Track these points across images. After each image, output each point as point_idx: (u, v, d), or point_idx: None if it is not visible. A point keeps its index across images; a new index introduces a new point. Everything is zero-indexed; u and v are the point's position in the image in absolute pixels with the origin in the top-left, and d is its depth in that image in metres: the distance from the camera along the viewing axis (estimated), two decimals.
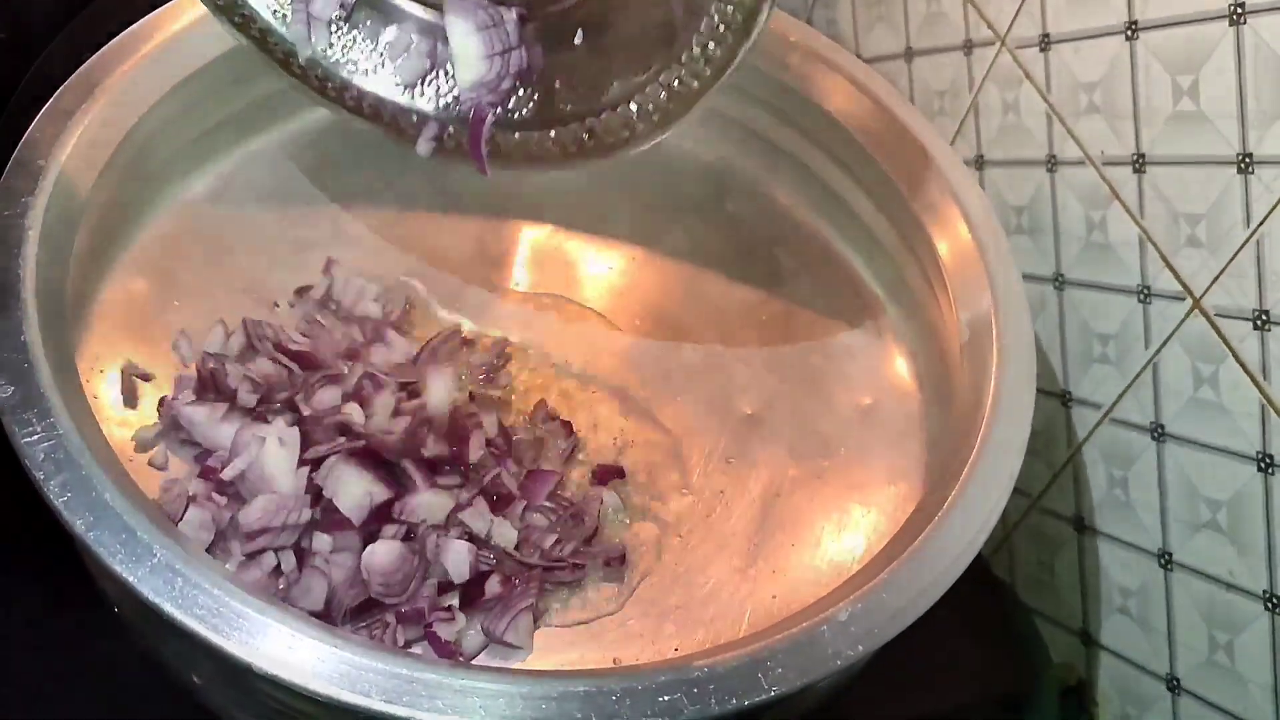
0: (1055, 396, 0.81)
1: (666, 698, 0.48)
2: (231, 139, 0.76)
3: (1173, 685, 0.74)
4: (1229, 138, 0.67)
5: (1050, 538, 0.83)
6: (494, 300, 0.76)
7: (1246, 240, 0.66)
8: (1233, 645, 0.70)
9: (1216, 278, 0.69)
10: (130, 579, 0.48)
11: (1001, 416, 0.60)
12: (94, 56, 0.65)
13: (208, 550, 0.57)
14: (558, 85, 0.61)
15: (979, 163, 0.86)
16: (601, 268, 0.80)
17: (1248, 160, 0.66)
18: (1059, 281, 0.80)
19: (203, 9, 0.66)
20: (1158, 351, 0.73)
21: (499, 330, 0.75)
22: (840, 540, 0.68)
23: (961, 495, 0.57)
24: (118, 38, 0.66)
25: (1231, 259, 0.67)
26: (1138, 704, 0.77)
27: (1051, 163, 0.79)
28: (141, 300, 0.69)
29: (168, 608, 0.48)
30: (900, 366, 0.77)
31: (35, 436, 0.50)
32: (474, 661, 0.58)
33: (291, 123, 0.78)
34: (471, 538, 0.61)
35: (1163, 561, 0.74)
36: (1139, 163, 0.73)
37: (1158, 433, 0.74)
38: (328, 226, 0.76)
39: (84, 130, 0.61)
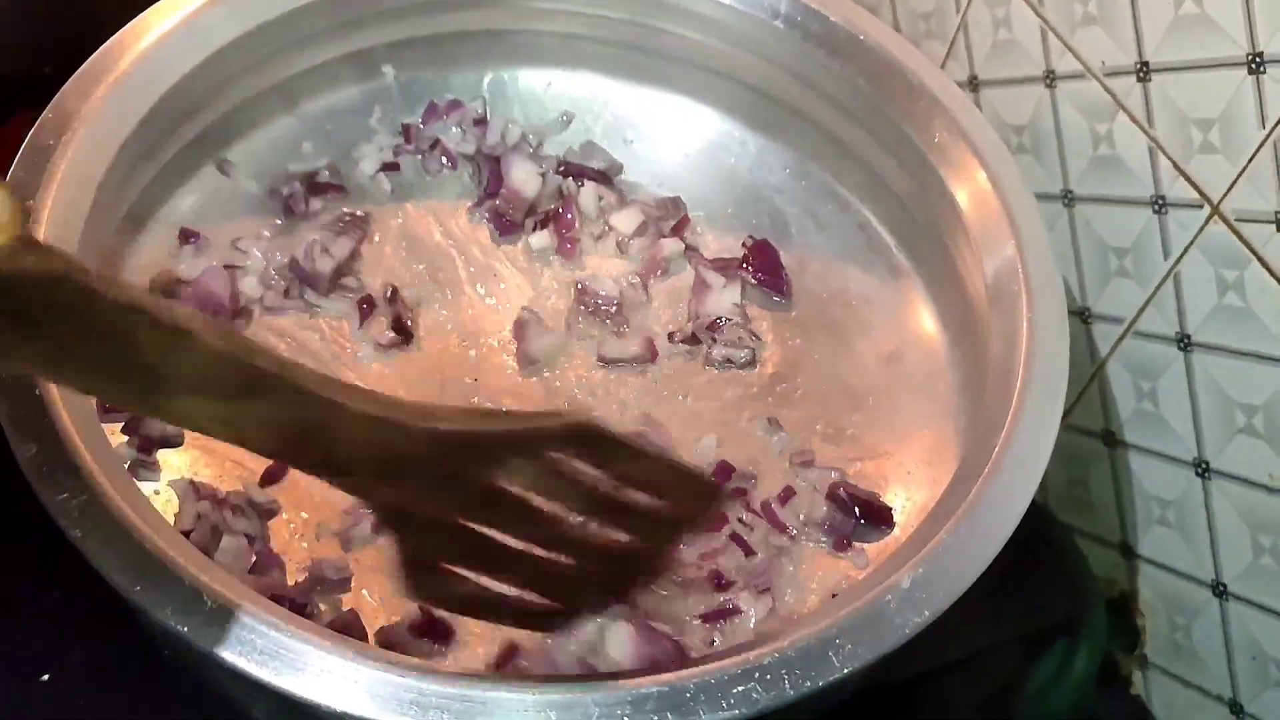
0: (1074, 314, 0.80)
1: (740, 688, 0.48)
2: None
3: (1219, 590, 0.75)
4: (1236, 38, 0.65)
5: (1081, 455, 0.83)
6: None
7: (1263, 142, 0.65)
8: (1278, 547, 0.70)
9: (1234, 182, 0.67)
10: (184, 630, 0.47)
11: (1038, 360, 0.60)
12: (66, 85, 0.62)
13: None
14: None
15: (973, 84, 0.84)
16: None
17: (1258, 60, 0.64)
18: (1068, 198, 0.79)
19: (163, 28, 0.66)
20: (1178, 261, 0.72)
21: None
22: (881, 490, 0.68)
23: (1009, 446, 0.57)
24: (86, 62, 0.64)
25: (1249, 162, 0.66)
26: (1184, 611, 0.78)
27: (1050, 78, 0.77)
28: None
29: (226, 655, 0.47)
30: (920, 310, 0.76)
31: (65, 495, 0.49)
32: None
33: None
34: None
35: (1200, 470, 0.74)
36: (1143, 71, 0.71)
37: (1184, 342, 0.73)
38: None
39: (65, 169, 0.59)
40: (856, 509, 0.66)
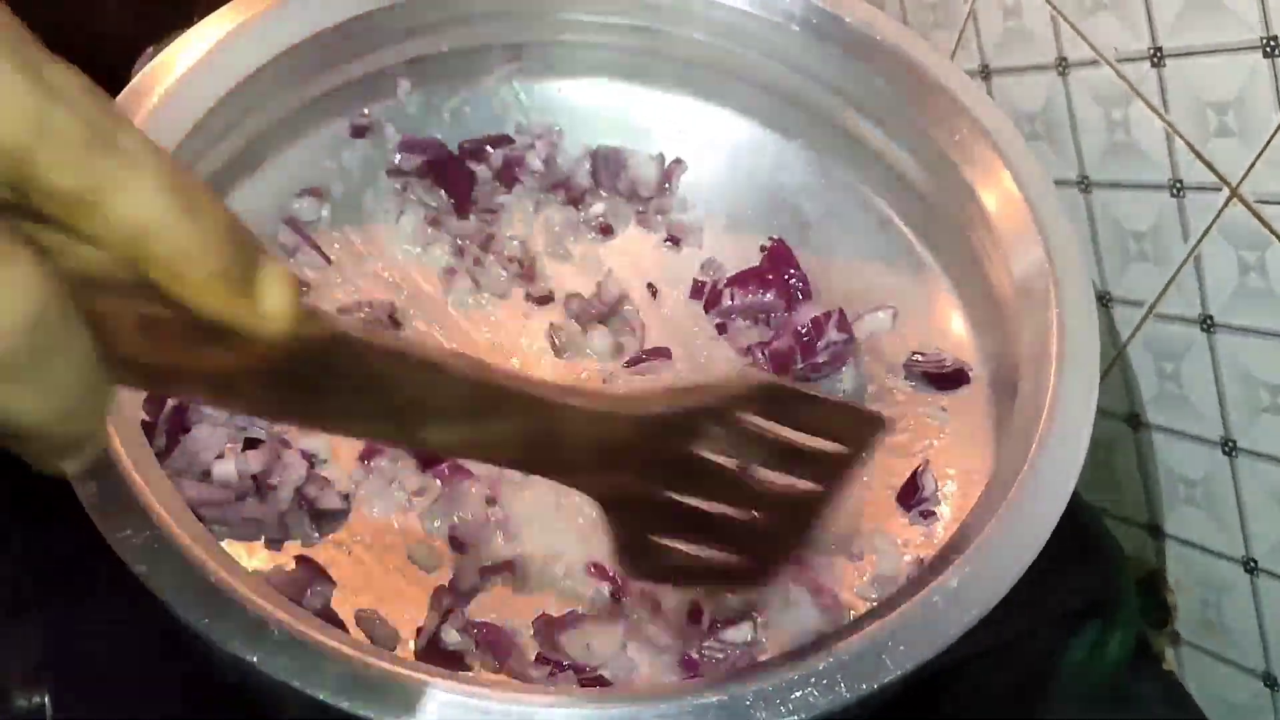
0: (1095, 298, 0.81)
1: (798, 694, 0.49)
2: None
3: (1250, 567, 0.76)
4: (1250, 22, 0.65)
5: (1106, 437, 0.83)
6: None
7: None
8: None
9: (1252, 164, 0.68)
10: (254, 659, 0.48)
11: (1070, 356, 0.61)
12: None
13: None
14: None
15: (984, 72, 0.84)
16: None
17: (1273, 42, 0.65)
18: (1084, 184, 0.79)
19: (189, 60, 0.66)
20: (1198, 243, 0.73)
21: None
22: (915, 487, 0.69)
23: (1046, 443, 0.58)
24: (121, 93, 0.65)
25: (1266, 144, 0.67)
26: (1215, 589, 0.79)
27: (1062, 65, 0.78)
28: None
29: (299, 684, 0.48)
30: (945, 306, 0.77)
31: (128, 531, 0.50)
32: None
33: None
34: None
35: (1226, 449, 0.75)
36: (1156, 56, 0.71)
37: (1207, 324, 0.74)
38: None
39: None
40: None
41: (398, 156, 0.79)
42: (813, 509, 0.56)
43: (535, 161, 0.81)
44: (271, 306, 0.31)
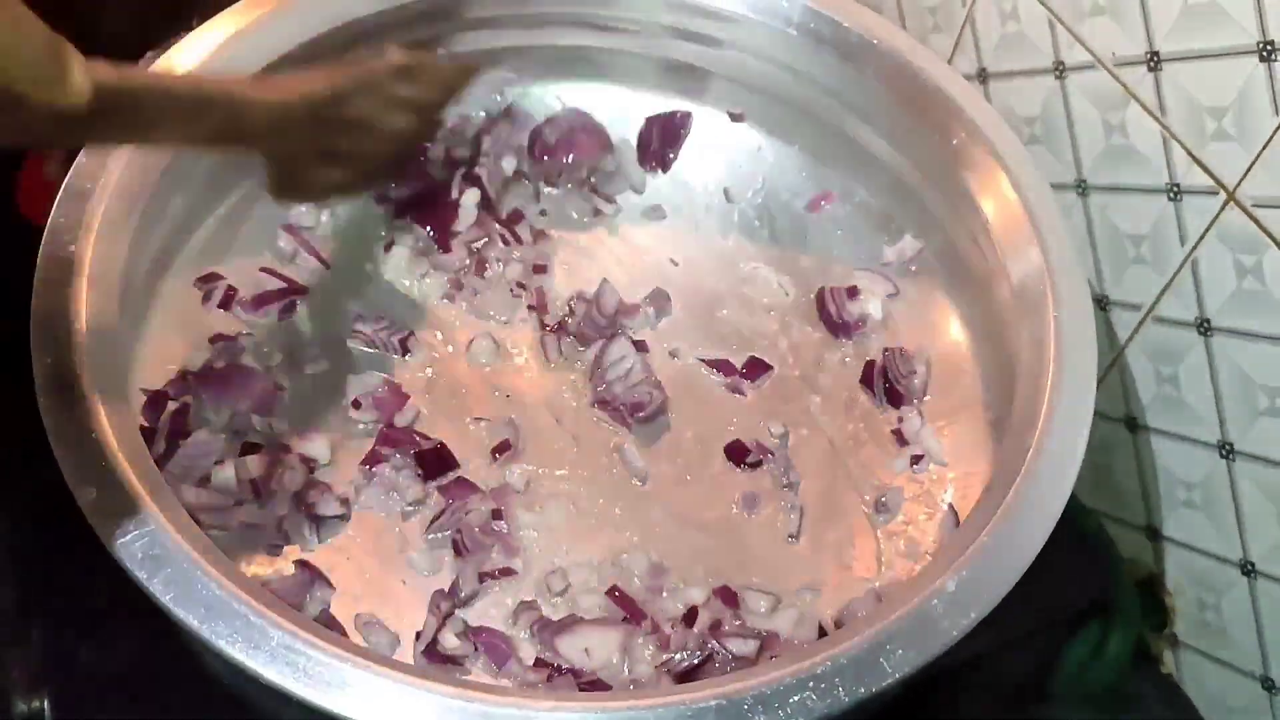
0: (1092, 301, 0.81)
1: (796, 697, 0.49)
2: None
3: (1247, 569, 0.76)
4: (1247, 27, 0.65)
5: (1104, 440, 0.84)
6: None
7: (1278, 128, 0.66)
8: None
9: (1249, 169, 0.68)
10: (252, 664, 0.48)
11: (1067, 361, 0.61)
12: None
13: None
14: None
15: (982, 76, 0.85)
16: None
17: (1270, 48, 0.65)
18: (1081, 188, 0.79)
19: (189, 64, 0.68)
20: (1195, 247, 0.73)
21: None
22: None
23: (1043, 448, 0.58)
24: None
25: (1263, 148, 0.67)
26: (1212, 590, 0.79)
27: (1060, 69, 0.78)
28: None
29: (292, 687, 0.48)
30: (943, 308, 0.77)
31: (128, 536, 0.50)
32: None
33: None
34: None
35: (1224, 452, 0.75)
36: (1153, 61, 0.72)
37: (1204, 327, 0.74)
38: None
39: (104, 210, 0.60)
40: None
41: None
42: (418, 133, 0.75)
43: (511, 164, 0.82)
44: (75, 83, 0.47)
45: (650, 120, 0.83)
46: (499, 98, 0.83)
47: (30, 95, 0.46)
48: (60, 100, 0.47)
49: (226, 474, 0.63)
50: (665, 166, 0.84)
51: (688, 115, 0.83)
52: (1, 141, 0.52)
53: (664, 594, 0.65)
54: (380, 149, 0.71)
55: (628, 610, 0.63)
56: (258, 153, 0.65)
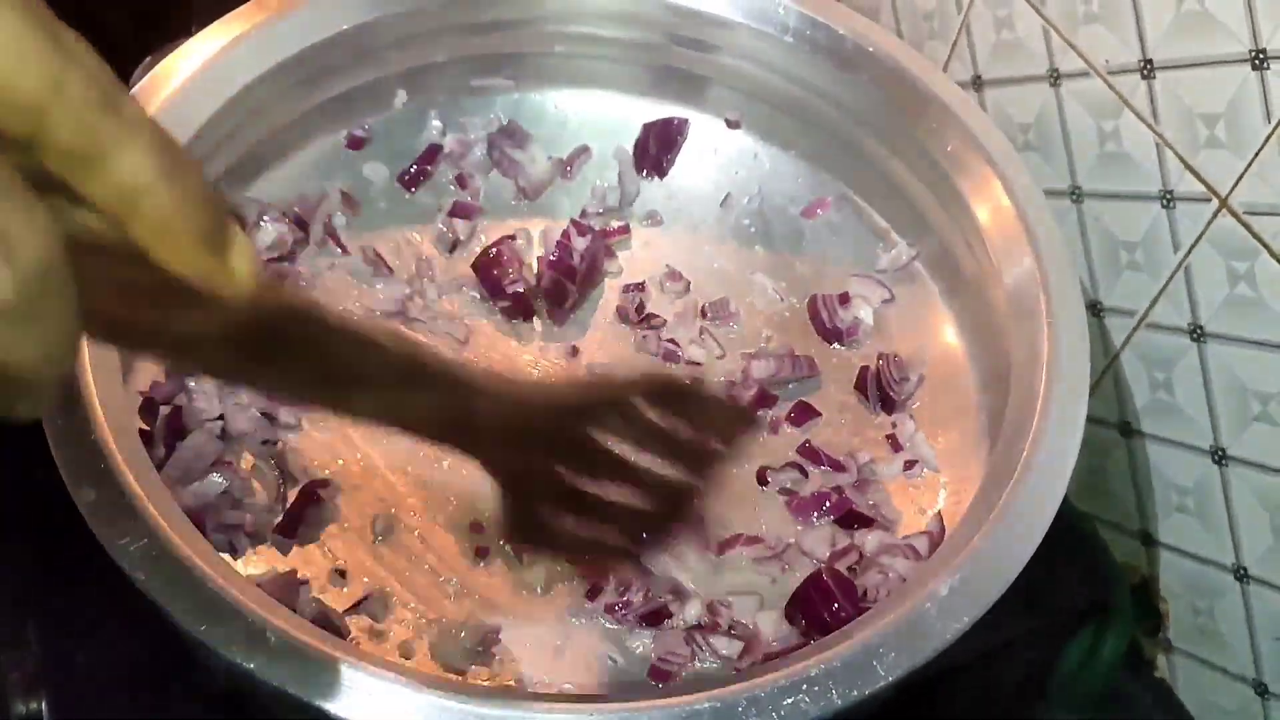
0: (1086, 307, 0.81)
1: (790, 700, 0.49)
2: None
3: (1240, 574, 0.76)
4: (1239, 35, 0.66)
5: (1098, 445, 0.84)
6: None
7: (1269, 136, 0.66)
8: None
9: (1241, 176, 0.68)
10: (251, 666, 0.49)
11: (1061, 366, 0.62)
12: None
13: None
14: None
15: (977, 83, 0.85)
16: None
17: (1262, 56, 0.65)
18: (1076, 194, 0.80)
19: (188, 70, 0.67)
20: (1188, 254, 0.73)
21: None
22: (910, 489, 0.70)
23: (1036, 451, 0.58)
24: None
25: (1255, 156, 0.67)
26: (1206, 595, 0.79)
27: (1054, 76, 0.79)
28: None
29: (293, 690, 0.48)
30: (938, 314, 0.78)
31: (126, 538, 0.51)
32: None
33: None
34: None
35: (1217, 457, 0.75)
36: (1147, 68, 0.72)
37: (1197, 333, 0.74)
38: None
39: None
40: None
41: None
42: (688, 497, 0.60)
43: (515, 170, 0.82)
44: (239, 268, 0.34)
45: (648, 127, 0.84)
46: (496, 115, 0.84)
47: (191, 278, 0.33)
48: (221, 282, 0.34)
49: (222, 475, 0.63)
50: (662, 174, 0.84)
51: (685, 122, 0.84)
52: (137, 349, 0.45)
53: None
54: (636, 501, 0.58)
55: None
56: (484, 464, 0.55)
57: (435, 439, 0.54)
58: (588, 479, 0.56)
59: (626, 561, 0.63)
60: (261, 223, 0.74)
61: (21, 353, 0.29)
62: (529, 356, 0.75)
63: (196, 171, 0.33)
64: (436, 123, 0.82)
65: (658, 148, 0.84)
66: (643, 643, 0.63)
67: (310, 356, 0.44)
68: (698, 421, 0.57)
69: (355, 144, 0.81)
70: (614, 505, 0.57)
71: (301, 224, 0.77)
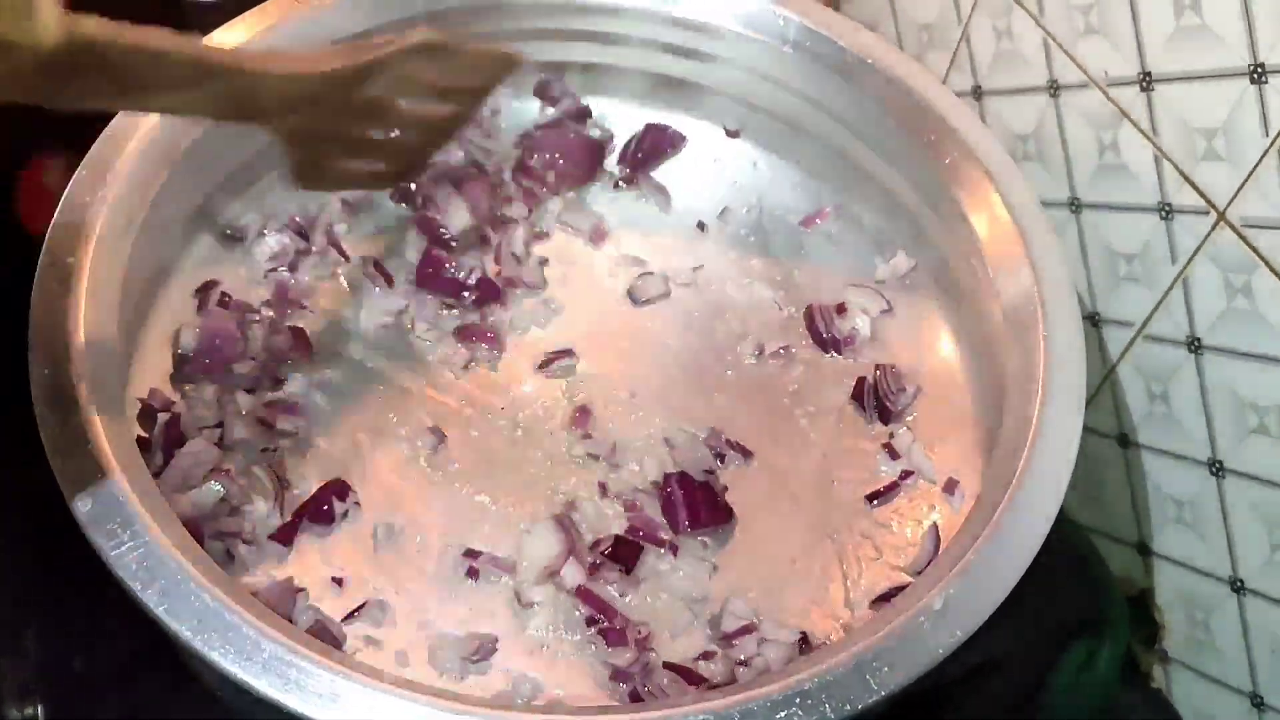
0: (1085, 318, 0.81)
1: (783, 714, 0.49)
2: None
3: (1237, 587, 0.76)
4: (1238, 49, 0.66)
5: (1096, 456, 0.84)
6: None
7: (1267, 150, 0.66)
8: None
9: (1239, 189, 0.68)
10: (244, 676, 0.49)
11: (1056, 380, 0.62)
12: (96, 142, 0.64)
13: None
14: None
15: (977, 93, 0.85)
16: None
17: (1260, 70, 0.65)
18: (1075, 205, 0.80)
19: None
20: (1186, 266, 0.73)
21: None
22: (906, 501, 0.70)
23: (1031, 465, 0.58)
24: (115, 118, 0.66)
25: (1253, 169, 0.67)
26: (1203, 607, 0.79)
27: (1053, 88, 0.79)
28: None
29: (284, 700, 0.49)
30: (935, 325, 0.78)
31: (123, 547, 0.51)
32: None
33: None
34: None
35: (1214, 470, 0.75)
36: (1146, 81, 0.72)
37: (1194, 345, 0.74)
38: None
39: (103, 221, 0.61)
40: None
41: None
42: (451, 124, 0.72)
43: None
44: (46, 19, 0.44)
45: (650, 127, 0.84)
46: (490, 112, 0.84)
47: None
48: (23, 39, 0.44)
49: (219, 483, 0.64)
50: (635, 175, 0.84)
51: (682, 138, 0.84)
52: None
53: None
54: (407, 137, 0.68)
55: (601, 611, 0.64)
56: (271, 131, 0.62)
57: (228, 119, 0.61)
58: (364, 126, 0.66)
59: (403, 181, 0.76)
60: (264, 233, 0.74)
61: None
62: (524, 363, 0.76)
63: None
64: None
65: (647, 150, 0.84)
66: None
67: (109, 73, 0.51)
68: (463, 68, 0.68)
69: None
70: (385, 142, 0.67)
71: (304, 234, 0.77)
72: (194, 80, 0.55)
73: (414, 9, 0.77)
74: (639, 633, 0.62)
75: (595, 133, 0.85)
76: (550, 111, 0.84)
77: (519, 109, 0.86)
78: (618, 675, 0.61)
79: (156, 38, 0.52)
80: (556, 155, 0.82)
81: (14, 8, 0.43)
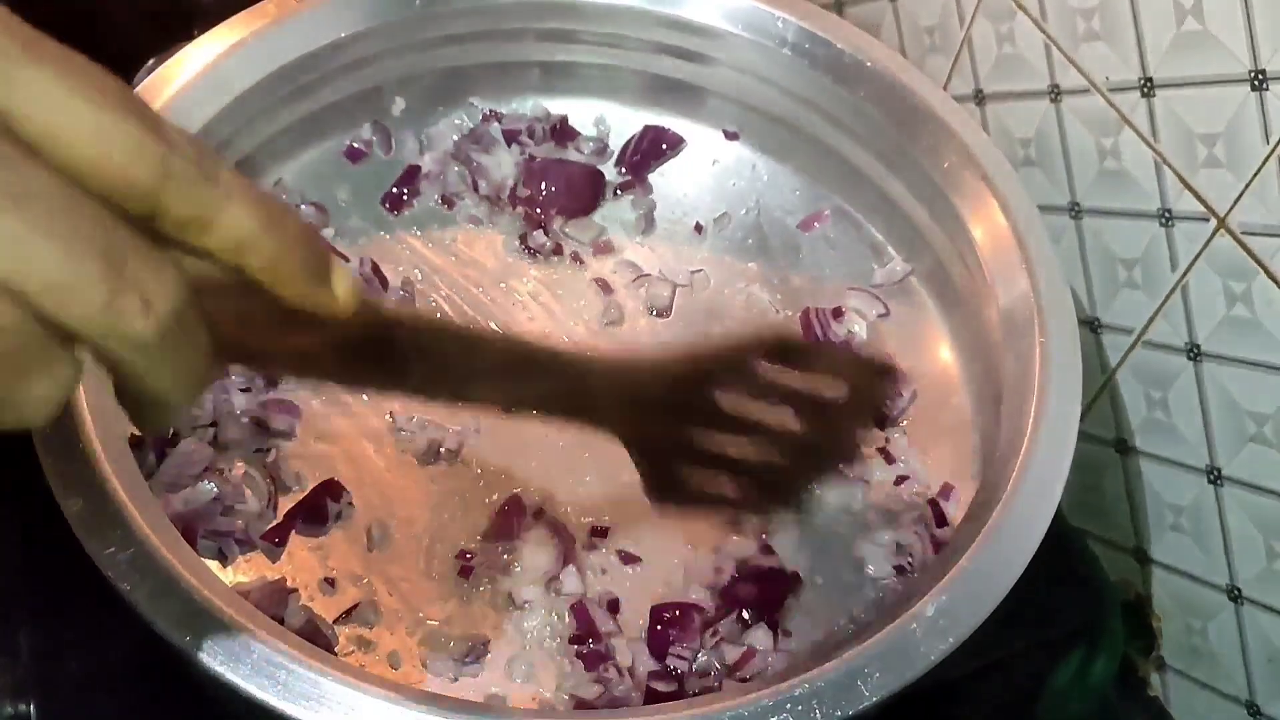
0: (1084, 324, 0.81)
1: (773, 719, 0.49)
2: None
3: (1234, 595, 0.76)
4: (1239, 55, 0.66)
5: (1094, 462, 0.84)
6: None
7: (1268, 157, 0.66)
8: None
9: (1239, 196, 0.68)
10: (233, 679, 0.49)
11: (1052, 388, 0.61)
12: None
13: None
14: None
15: (978, 97, 0.85)
16: None
17: (1261, 77, 0.65)
18: (1075, 210, 0.80)
19: (189, 73, 0.68)
20: (1185, 273, 0.73)
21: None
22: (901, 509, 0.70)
23: (1025, 471, 0.58)
24: None
25: (1254, 176, 0.67)
26: (1200, 615, 0.79)
27: (1055, 92, 0.79)
28: None
29: (274, 702, 0.48)
30: (933, 330, 0.78)
31: (113, 547, 0.51)
32: None
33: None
34: None
35: (1212, 477, 0.75)
36: (1147, 86, 0.72)
37: (1193, 352, 0.74)
38: None
39: None
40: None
41: None
42: (824, 449, 0.62)
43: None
44: (342, 292, 0.40)
45: (648, 129, 0.84)
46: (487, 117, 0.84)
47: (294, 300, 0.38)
48: (317, 306, 0.39)
49: (213, 483, 0.63)
50: (638, 179, 0.84)
51: (680, 140, 0.84)
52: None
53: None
54: (769, 455, 0.59)
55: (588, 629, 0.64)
56: (613, 435, 0.57)
57: (555, 415, 0.56)
58: (717, 436, 0.57)
59: (773, 509, 0.66)
60: None
61: (161, 381, 0.35)
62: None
63: (293, 216, 0.38)
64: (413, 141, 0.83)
65: (646, 151, 0.84)
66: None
67: (420, 358, 0.48)
68: (829, 375, 0.58)
69: (354, 155, 0.81)
70: (745, 460, 0.58)
71: None
72: (510, 371, 0.52)
73: (411, 9, 0.77)
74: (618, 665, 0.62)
75: (593, 132, 0.85)
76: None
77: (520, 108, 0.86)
78: (580, 705, 0.60)
79: (460, 325, 0.53)
80: (555, 188, 0.81)
81: (314, 273, 0.38)
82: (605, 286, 0.79)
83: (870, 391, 0.61)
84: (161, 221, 0.35)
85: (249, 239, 0.36)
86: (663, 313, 0.78)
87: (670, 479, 0.59)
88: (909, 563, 0.67)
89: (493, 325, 0.76)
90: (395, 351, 0.48)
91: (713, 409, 0.57)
